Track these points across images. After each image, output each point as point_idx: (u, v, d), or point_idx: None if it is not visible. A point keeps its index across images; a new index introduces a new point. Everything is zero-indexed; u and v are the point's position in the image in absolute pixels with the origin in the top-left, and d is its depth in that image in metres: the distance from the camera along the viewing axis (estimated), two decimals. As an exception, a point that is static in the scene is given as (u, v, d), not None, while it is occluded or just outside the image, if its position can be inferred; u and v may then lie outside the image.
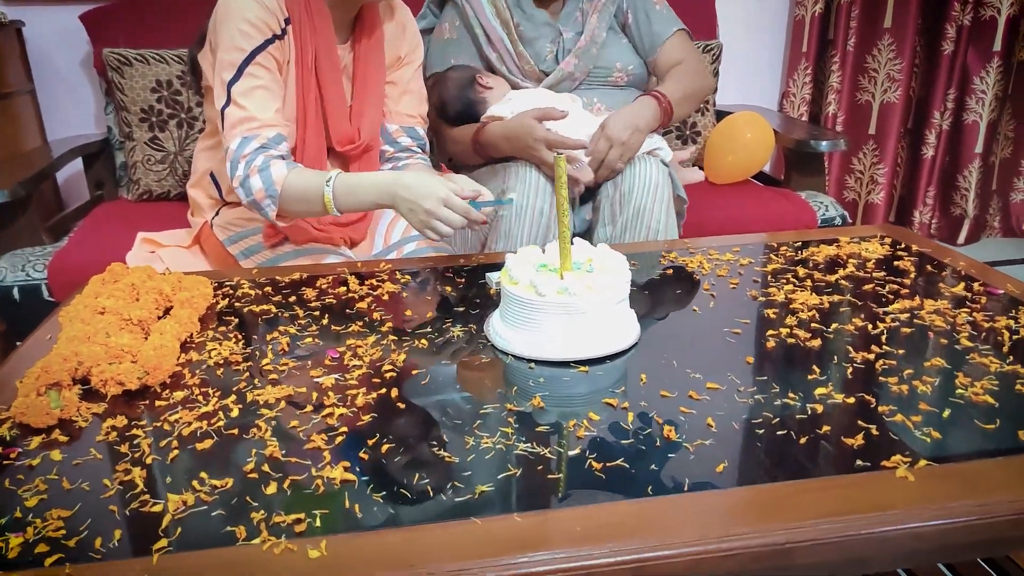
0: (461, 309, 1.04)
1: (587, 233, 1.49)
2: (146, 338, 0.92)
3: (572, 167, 1.40)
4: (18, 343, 1.49)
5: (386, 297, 1.08)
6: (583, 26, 1.55)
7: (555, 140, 1.34)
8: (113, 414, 0.79)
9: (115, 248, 1.45)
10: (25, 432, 0.77)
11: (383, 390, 0.83)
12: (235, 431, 0.76)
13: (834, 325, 0.96)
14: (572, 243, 0.97)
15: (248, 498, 0.66)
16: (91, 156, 1.90)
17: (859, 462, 0.69)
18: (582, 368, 0.87)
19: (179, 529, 0.63)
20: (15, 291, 1.43)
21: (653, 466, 0.69)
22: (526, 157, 1.38)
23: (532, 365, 0.88)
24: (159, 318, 1.00)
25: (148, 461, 0.72)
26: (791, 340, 0.93)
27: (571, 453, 0.72)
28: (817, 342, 0.92)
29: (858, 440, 0.72)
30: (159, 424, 0.78)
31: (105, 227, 1.63)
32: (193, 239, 1.46)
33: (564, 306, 0.88)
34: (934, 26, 2.31)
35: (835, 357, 0.88)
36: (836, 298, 1.04)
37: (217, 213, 1.40)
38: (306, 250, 1.31)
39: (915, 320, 0.97)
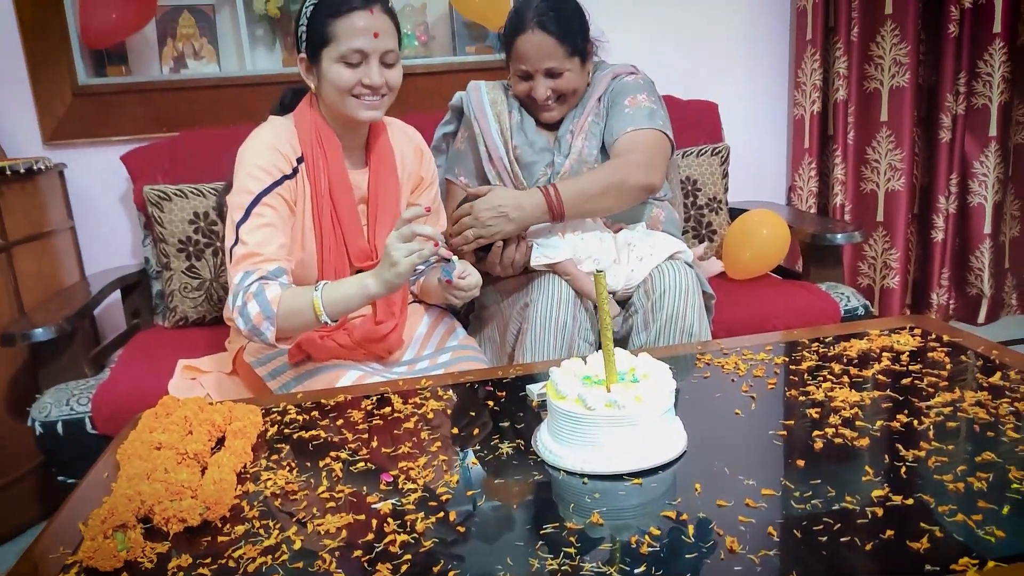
0: (506, 423, 1.06)
1: (621, 341, 1.51)
2: (203, 471, 0.94)
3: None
4: (60, 477, 1.52)
5: (431, 415, 1.10)
6: (570, 150, 1.58)
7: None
8: (177, 552, 0.80)
9: (156, 376, 1.49)
10: (92, 576, 0.77)
11: (441, 513, 0.84)
12: (300, 564, 0.77)
13: (879, 422, 0.97)
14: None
15: (320, 636, 0.66)
16: (128, 287, 1.97)
17: (928, 567, 0.68)
18: (636, 480, 0.88)
19: (254, 673, 0.63)
20: (59, 426, 1.45)
21: (722, 582, 0.69)
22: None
23: (585, 480, 0.89)
24: (213, 449, 1.02)
25: (217, 601, 0.72)
26: (838, 440, 0.93)
27: (637, 571, 0.72)
28: (865, 441, 0.92)
29: (923, 544, 0.71)
30: (223, 561, 0.78)
31: (145, 356, 1.68)
32: (232, 367, 1.50)
33: (613, 419, 0.89)
34: (929, 116, 2.42)
35: (886, 456, 0.89)
36: (876, 394, 1.05)
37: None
38: (326, 367, 1.35)
39: (958, 413, 0.98)
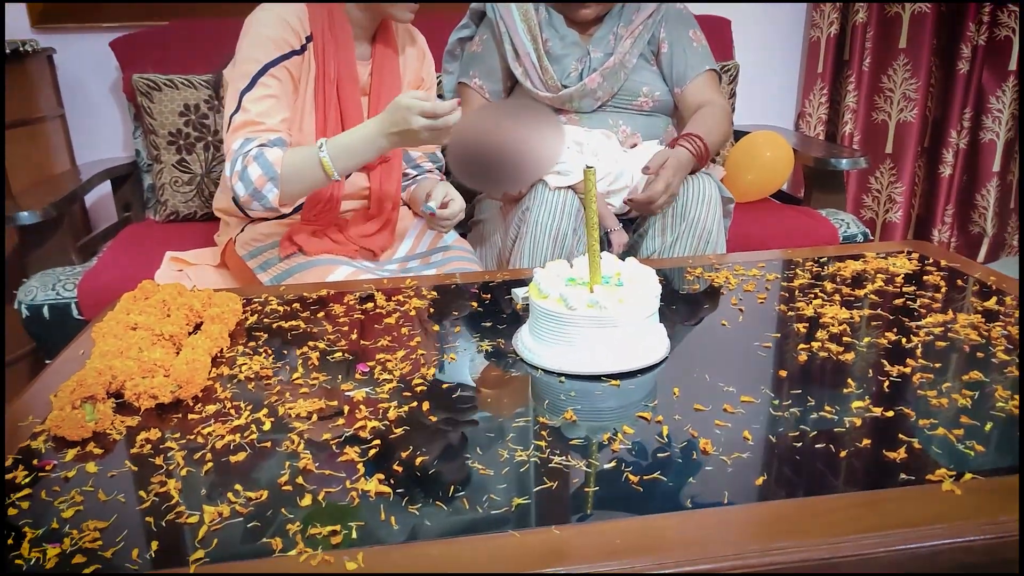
0: (488, 324, 1.04)
1: (630, 251, 1.50)
2: (177, 353, 0.93)
3: (611, 231, 1.44)
4: (47, 361, 1.52)
5: (413, 312, 1.08)
6: (614, 48, 1.57)
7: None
8: (147, 427, 0.80)
9: (143, 267, 1.47)
10: (60, 445, 0.77)
11: (414, 403, 0.83)
12: (268, 444, 0.76)
13: (866, 339, 0.95)
14: (601, 257, 0.98)
15: (283, 510, 0.66)
16: (119, 179, 1.94)
17: (903, 476, 0.67)
18: (613, 382, 0.87)
19: (215, 541, 0.62)
20: (45, 309, 1.44)
21: (691, 479, 0.69)
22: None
23: (562, 379, 0.88)
24: (190, 334, 1.00)
25: (183, 473, 0.72)
26: (823, 354, 0.92)
27: (607, 466, 0.71)
28: (851, 356, 0.91)
29: (900, 454, 0.70)
30: (192, 437, 0.78)
31: (133, 247, 1.65)
32: (220, 260, 1.48)
33: (594, 319, 0.87)
34: (949, 46, 2.32)
35: (870, 371, 0.87)
36: (866, 312, 1.03)
37: (242, 230, 1.42)
38: (318, 260, 1.33)
39: (949, 334, 0.96)
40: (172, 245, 1.58)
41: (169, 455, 0.74)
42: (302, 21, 1.29)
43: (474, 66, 1.64)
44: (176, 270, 1.47)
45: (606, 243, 1.47)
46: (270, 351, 0.97)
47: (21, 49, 1.73)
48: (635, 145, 1.53)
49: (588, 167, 0.87)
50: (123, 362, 0.86)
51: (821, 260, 1.25)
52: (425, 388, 0.87)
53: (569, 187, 1.39)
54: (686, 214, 1.41)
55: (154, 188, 1.86)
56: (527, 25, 1.58)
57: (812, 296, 1.09)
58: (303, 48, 1.29)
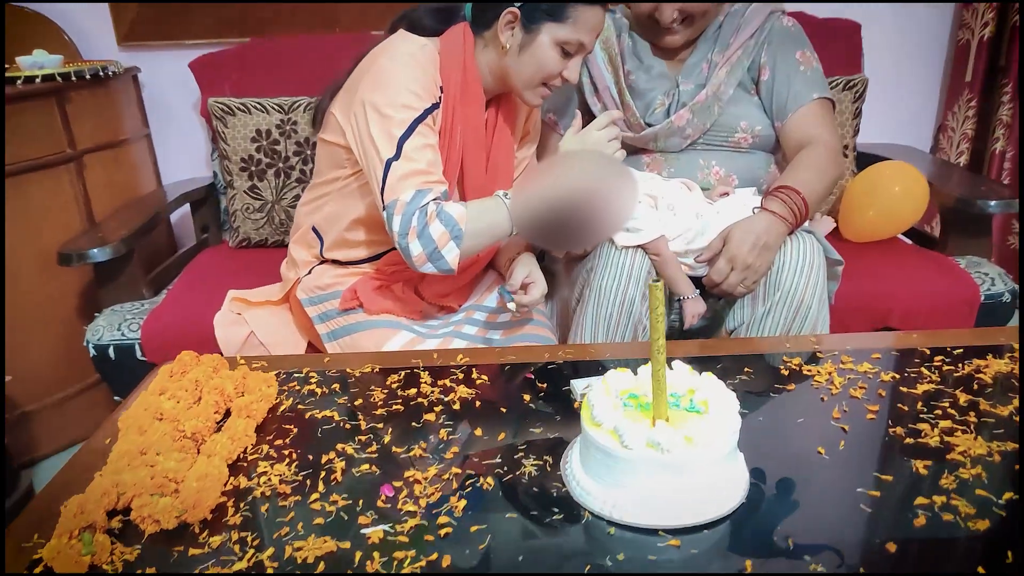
0: (538, 428, 0.91)
1: (713, 320, 1.32)
2: (198, 452, 0.86)
3: (684, 299, 1.27)
4: (116, 397, 1.53)
5: (457, 405, 0.97)
6: (707, 79, 1.37)
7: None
8: (145, 562, 0.73)
9: (205, 306, 1.43)
10: (54, 579, 0.71)
11: (434, 555, 0.72)
12: (266, 599, 0.67)
13: (1007, 495, 0.75)
14: (671, 368, 0.83)
15: None
16: (199, 201, 1.93)
17: None
18: (672, 541, 0.72)
19: None
20: (111, 350, 1.44)
21: None
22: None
23: (612, 530, 0.74)
24: (217, 422, 0.94)
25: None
26: (947, 516, 0.73)
27: None
28: (984, 524, 0.71)
29: None
30: (190, 580, 0.70)
31: (201, 281, 1.64)
32: (283, 295, 1.43)
33: (654, 462, 0.73)
34: None
35: (1009, 553, 0.68)
36: (1010, 446, 0.82)
37: (310, 272, 1.36)
38: (377, 322, 1.26)
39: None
40: (240, 276, 1.56)
41: (160, 606, 0.67)
42: (435, 74, 1.19)
43: (547, 100, 1.48)
44: (235, 313, 1.43)
45: (678, 312, 1.30)
46: (295, 455, 0.88)
47: (102, 73, 1.73)
48: (726, 193, 1.33)
49: (655, 282, 0.72)
50: (134, 474, 0.80)
51: (955, 352, 1.03)
52: (451, 531, 0.75)
53: (639, 246, 1.23)
54: (780, 282, 1.21)
55: (228, 213, 1.84)
56: (607, 55, 1.40)
57: (939, 413, 0.89)
58: (440, 101, 1.20)
